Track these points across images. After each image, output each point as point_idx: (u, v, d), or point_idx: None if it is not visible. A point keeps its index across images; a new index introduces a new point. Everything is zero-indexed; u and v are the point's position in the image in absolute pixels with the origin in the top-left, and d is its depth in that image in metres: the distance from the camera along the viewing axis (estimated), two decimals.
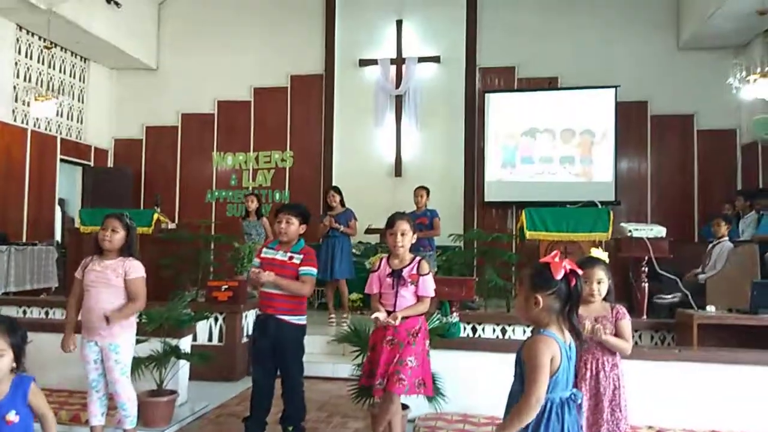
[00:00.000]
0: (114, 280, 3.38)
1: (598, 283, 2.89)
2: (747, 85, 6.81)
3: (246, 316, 5.49)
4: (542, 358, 1.95)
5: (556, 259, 2.04)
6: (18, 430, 2.13)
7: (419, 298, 3.30)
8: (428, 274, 3.33)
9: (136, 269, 3.44)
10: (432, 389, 3.40)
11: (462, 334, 4.80)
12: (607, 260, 3.03)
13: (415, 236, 3.42)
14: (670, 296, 5.99)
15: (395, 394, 3.21)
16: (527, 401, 1.93)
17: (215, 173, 10.26)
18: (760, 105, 7.72)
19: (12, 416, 2.12)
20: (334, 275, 6.58)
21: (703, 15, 8.05)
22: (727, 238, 6.35)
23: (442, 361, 3.83)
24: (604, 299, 2.94)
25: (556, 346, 1.98)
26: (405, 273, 3.29)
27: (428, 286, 3.31)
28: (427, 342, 3.40)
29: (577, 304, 2.05)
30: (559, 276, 2.00)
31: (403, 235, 3.32)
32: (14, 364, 2.11)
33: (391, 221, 3.38)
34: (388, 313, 3.28)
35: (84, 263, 3.49)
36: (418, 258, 3.37)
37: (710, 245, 6.44)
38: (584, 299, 2.86)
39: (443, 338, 4.13)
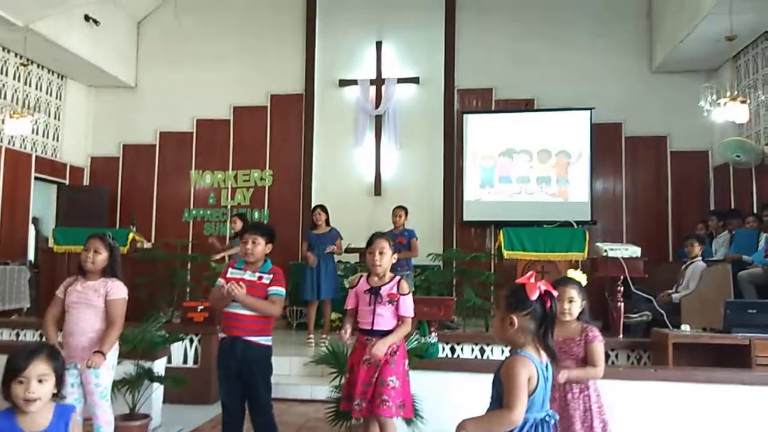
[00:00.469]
0: (95, 300, 3.34)
1: (570, 302, 2.90)
2: (718, 108, 6.97)
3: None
4: (520, 378, 1.96)
5: (532, 280, 2.06)
6: None
7: (400, 319, 3.28)
8: (408, 294, 3.33)
9: (118, 290, 3.39)
10: (412, 410, 3.37)
11: (441, 354, 4.79)
12: (585, 281, 3.05)
13: (395, 256, 3.43)
14: (637, 315, 6.04)
15: (385, 417, 3.18)
16: (507, 414, 1.94)
17: (193, 192, 10.18)
18: (730, 127, 7.92)
19: None
20: (322, 295, 6.54)
21: (675, 40, 8.27)
22: (700, 258, 6.45)
23: (420, 381, 3.81)
24: (578, 319, 2.95)
25: (533, 366, 1.99)
26: (383, 291, 3.28)
27: (408, 306, 3.30)
28: (406, 362, 3.38)
29: (552, 326, 2.07)
30: (534, 297, 2.02)
31: (381, 254, 3.32)
32: (55, 390, 2.05)
33: (371, 240, 3.40)
34: (365, 332, 3.26)
35: (66, 283, 3.44)
36: (398, 277, 3.37)
37: (684, 265, 6.54)
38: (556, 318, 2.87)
39: (422, 359, 4.12)
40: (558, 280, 2.96)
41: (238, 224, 7.21)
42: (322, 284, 6.54)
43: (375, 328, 3.24)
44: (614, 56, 9.31)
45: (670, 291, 6.37)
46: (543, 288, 2.04)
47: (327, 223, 6.89)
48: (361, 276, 3.47)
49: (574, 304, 2.91)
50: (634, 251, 5.47)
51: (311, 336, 6.60)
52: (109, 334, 3.32)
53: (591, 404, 2.84)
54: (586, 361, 2.89)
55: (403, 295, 3.29)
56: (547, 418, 2.04)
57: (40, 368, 1.98)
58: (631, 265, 5.39)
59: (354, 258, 8.41)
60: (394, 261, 3.41)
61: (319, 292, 6.52)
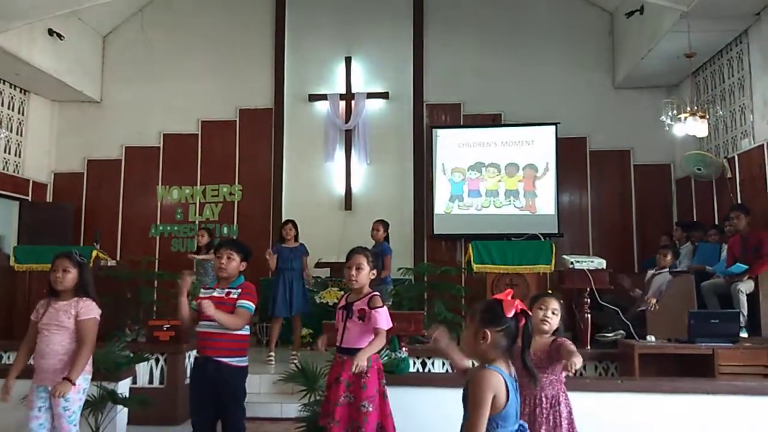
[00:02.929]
0: (66, 321, 3.27)
1: (553, 313, 2.94)
2: (678, 123, 7.16)
3: (189, 356, 5.33)
4: (484, 395, 1.96)
5: (509, 297, 2.07)
6: None
7: (374, 332, 3.22)
8: (380, 307, 3.26)
9: (89, 310, 3.32)
10: (392, 430, 3.29)
11: (411, 369, 4.78)
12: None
13: (374, 272, 3.39)
14: (611, 334, 6.11)
15: None
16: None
17: (160, 207, 10.02)
18: (691, 141, 8.14)
19: None
20: (295, 310, 6.46)
21: (637, 57, 8.50)
22: (667, 269, 6.56)
23: (391, 397, 3.76)
24: (552, 334, 2.98)
25: (501, 381, 1.99)
26: (355, 307, 3.25)
27: (379, 318, 3.22)
28: (383, 381, 3.32)
29: (528, 344, 2.09)
30: (510, 314, 2.03)
31: (358, 269, 3.28)
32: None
33: (348, 255, 3.36)
34: (338, 349, 3.24)
35: (39, 305, 3.38)
36: (372, 293, 3.32)
37: (650, 274, 6.63)
38: (535, 325, 2.90)
39: (392, 374, 4.10)
40: (541, 293, 3.03)
41: (205, 238, 7.12)
42: (294, 300, 6.46)
43: (343, 345, 3.22)
44: (579, 72, 9.51)
45: (642, 307, 6.39)
46: (519, 307, 2.06)
47: (296, 239, 6.85)
48: (344, 295, 3.44)
49: (556, 317, 2.94)
50: (600, 263, 5.56)
51: (272, 354, 6.46)
52: (79, 356, 3.24)
53: (561, 420, 2.85)
54: (554, 370, 2.91)
55: (373, 308, 3.23)
56: (521, 428, 2.05)
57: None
58: (597, 277, 5.49)
59: (325, 272, 8.37)
60: (373, 277, 3.36)
61: (293, 307, 6.44)
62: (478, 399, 1.96)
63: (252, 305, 3.40)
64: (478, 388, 1.98)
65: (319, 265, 8.34)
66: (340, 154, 9.75)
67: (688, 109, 7.12)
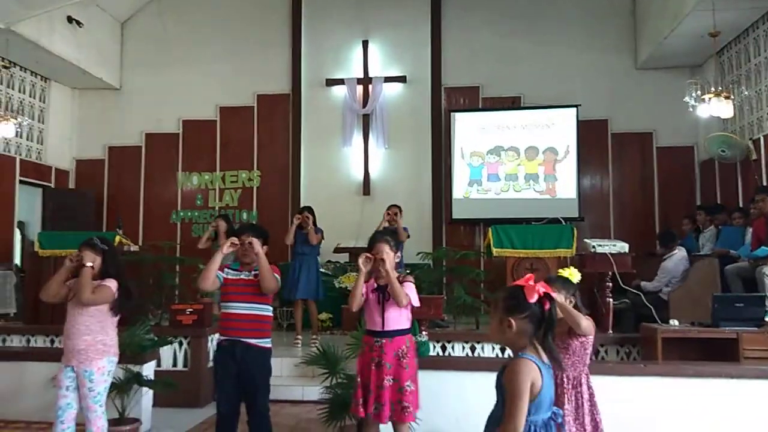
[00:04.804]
0: None
1: (566, 299, 2.93)
2: (702, 104, 7.02)
3: (212, 340, 5.39)
4: (523, 386, 1.94)
5: (531, 282, 2.04)
6: None
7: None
8: (412, 282, 3.31)
9: (108, 282, 3.39)
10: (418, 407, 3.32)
11: (431, 353, 4.79)
12: (578, 278, 3.07)
13: (398, 255, 3.39)
14: (617, 302, 6.07)
15: (404, 424, 3.16)
16: (508, 429, 1.92)
17: (180, 193, 10.11)
18: (715, 123, 7.99)
19: None
20: (298, 294, 6.51)
21: (659, 36, 8.33)
22: (675, 251, 6.44)
23: None
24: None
25: (536, 369, 1.97)
26: (389, 288, 3.23)
27: (410, 291, 3.25)
28: (416, 361, 3.34)
29: (552, 328, 2.06)
30: (533, 299, 2.00)
31: (377, 252, 3.26)
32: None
33: (371, 243, 3.33)
34: (374, 333, 3.21)
35: (70, 284, 3.45)
36: (402, 276, 3.35)
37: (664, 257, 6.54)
38: None
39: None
40: (548, 279, 2.98)
41: (222, 225, 7.16)
42: (300, 284, 6.49)
43: (386, 328, 3.20)
44: (600, 53, 9.36)
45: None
46: (542, 290, 2.02)
47: (314, 224, 6.85)
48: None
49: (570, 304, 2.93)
50: (622, 247, 5.49)
51: (299, 337, 6.57)
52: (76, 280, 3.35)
53: (583, 401, 2.85)
54: (574, 351, 2.91)
55: (406, 281, 3.27)
56: (554, 416, 2.04)
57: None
58: (619, 261, 5.42)
59: (344, 258, 8.39)
60: (397, 260, 3.36)
61: (297, 291, 6.47)
62: (516, 389, 1.94)
63: (278, 278, 3.50)
64: (515, 377, 1.95)
65: (337, 250, 8.37)
66: (357, 138, 9.73)
67: (713, 89, 6.97)
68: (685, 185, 9.17)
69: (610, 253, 5.38)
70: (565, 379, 2.86)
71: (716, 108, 6.88)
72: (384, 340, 3.19)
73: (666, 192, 9.22)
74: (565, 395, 2.85)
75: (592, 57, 9.33)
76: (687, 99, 7.17)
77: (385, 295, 3.22)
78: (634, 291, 5.94)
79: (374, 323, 3.23)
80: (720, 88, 7.04)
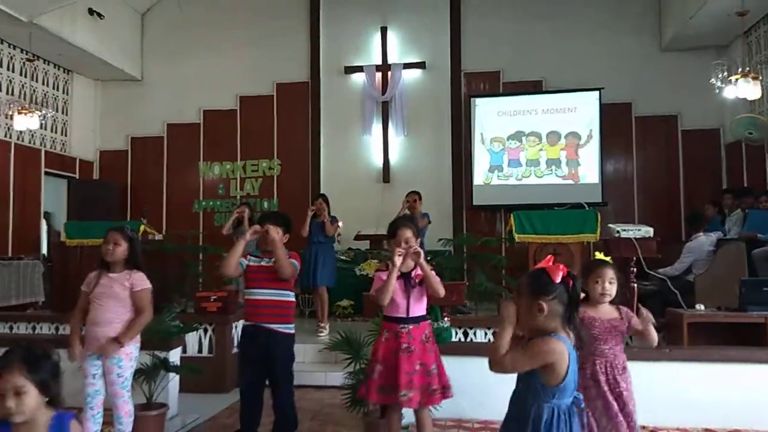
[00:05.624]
0: (121, 293, 3.39)
1: (610, 283, 2.88)
2: (729, 86, 6.87)
3: (236, 327, 5.44)
4: (541, 356, 1.95)
5: (551, 264, 2.03)
6: None
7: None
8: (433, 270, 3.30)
9: (142, 281, 3.44)
10: (450, 391, 3.32)
11: (453, 339, 4.79)
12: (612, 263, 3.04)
13: (420, 240, 3.38)
14: (646, 284, 6.00)
15: (427, 408, 3.19)
16: (496, 348, 2.00)
17: (202, 183, 10.20)
18: (742, 104, 7.81)
19: None
20: (316, 282, 6.54)
21: (684, 16, 8.15)
22: (700, 233, 6.36)
23: None
24: (611, 302, 2.94)
25: (565, 351, 1.96)
26: (414, 273, 3.23)
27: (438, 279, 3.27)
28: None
29: (577, 307, 2.05)
30: (558, 279, 2.00)
31: (407, 243, 3.21)
32: (44, 398, 1.85)
33: (393, 230, 3.29)
34: (399, 320, 3.20)
35: (90, 277, 3.48)
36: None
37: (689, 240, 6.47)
38: (595, 299, 2.87)
39: (435, 343, 4.11)
40: (593, 262, 2.98)
41: (247, 213, 7.23)
42: (317, 271, 6.51)
43: (411, 315, 3.19)
44: (623, 35, 9.19)
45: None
46: (564, 270, 2.02)
47: (328, 213, 6.84)
48: (387, 264, 3.41)
49: (614, 285, 2.89)
50: (647, 231, 5.40)
51: (320, 324, 6.59)
52: (135, 322, 3.38)
53: (622, 389, 2.82)
54: (621, 338, 2.91)
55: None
56: (576, 401, 2.02)
57: (12, 382, 1.79)
58: (644, 246, 5.34)
59: (364, 245, 8.41)
60: (419, 245, 3.34)
61: (315, 278, 6.50)
62: (535, 352, 1.96)
63: (297, 264, 3.54)
64: (540, 346, 1.96)
65: (358, 237, 8.38)
66: (377, 126, 9.71)
67: (740, 70, 6.82)
68: (711, 168, 9.00)
69: (635, 238, 5.30)
70: (607, 366, 2.83)
71: (743, 89, 6.73)
72: (411, 326, 3.19)
73: (691, 176, 9.06)
74: (607, 382, 2.81)
75: (615, 39, 9.17)
76: (713, 80, 7.02)
77: (410, 282, 3.21)
78: (660, 276, 5.86)
79: (399, 310, 3.21)
80: (747, 69, 6.89)
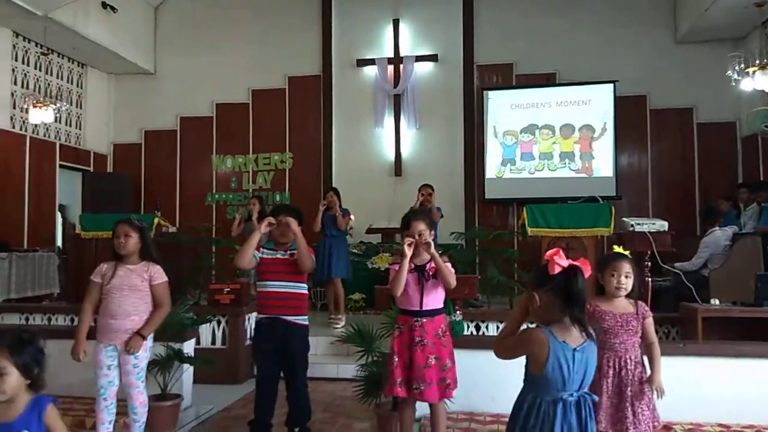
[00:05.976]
0: (139, 284, 3.40)
1: (626, 276, 2.85)
2: (746, 78, 6.78)
3: (249, 319, 5.48)
4: (525, 345, 2.02)
5: (555, 257, 2.01)
6: None
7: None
8: (449, 262, 3.27)
9: (160, 274, 3.46)
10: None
11: (465, 332, 4.78)
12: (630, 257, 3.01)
13: (433, 233, 3.36)
14: (660, 279, 5.95)
15: (442, 402, 3.19)
16: (498, 334, 2.17)
17: (215, 176, 10.25)
18: (759, 97, 7.70)
19: None
20: (332, 274, 6.55)
21: (700, 8, 8.04)
22: (717, 228, 6.31)
23: None
24: (628, 296, 2.91)
25: (543, 342, 1.95)
26: (428, 266, 3.20)
27: (451, 270, 3.23)
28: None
29: (582, 302, 2.02)
30: (554, 271, 1.98)
31: (420, 236, 3.19)
32: (27, 381, 2.00)
33: (407, 222, 3.26)
34: (413, 313, 3.19)
35: (104, 268, 3.45)
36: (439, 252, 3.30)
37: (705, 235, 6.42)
38: (611, 293, 2.85)
39: None
40: (611, 255, 2.94)
41: (257, 206, 7.26)
42: (332, 263, 6.53)
43: (424, 308, 3.18)
44: (637, 27, 9.10)
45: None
46: (564, 263, 1.98)
47: (339, 206, 6.83)
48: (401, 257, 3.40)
49: (630, 279, 2.86)
50: (662, 225, 5.35)
51: (332, 316, 6.62)
52: (155, 315, 3.41)
53: (644, 381, 2.81)
54: (642, 336, 2.88)
55: (446, 263, 3.23)
56: (583, 399, 2.00)
57: None
58: (659, 240, 5.28)
59: (376, 239, 8.41)
60: (432, 237, 3.32)
61: (330, 271, 6.52)
62: (515, 340, 2.09)
63: (313, 257, 3.59)
64: (521, 335, 2.08)
65: (369, 230, 8.38)
66: (389, 119, 9.70)
67: (757, 62, 6.73)
68: (727, 162, 8.90)
69: (650, 232, 5.25)
70: (629, 360, 2.80)
71: (760, 82, 6.65)
72: (425, 320, 3.17)
73: (707, 169, 8.97)
74: (629, 376, 2.80)
75: (629, 31, 9.08)
76: (729, 73, 6.94)
77: (424, 276, 3.19)
78: (674, 270, 5.81)
79: (413, 303, 3.19)
80: (765, 61, 6.79)
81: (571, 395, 1.98)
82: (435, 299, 3.21)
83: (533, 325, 2.08)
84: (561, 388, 1.96)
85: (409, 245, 3.12)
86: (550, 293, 1.98)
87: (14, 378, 1.97)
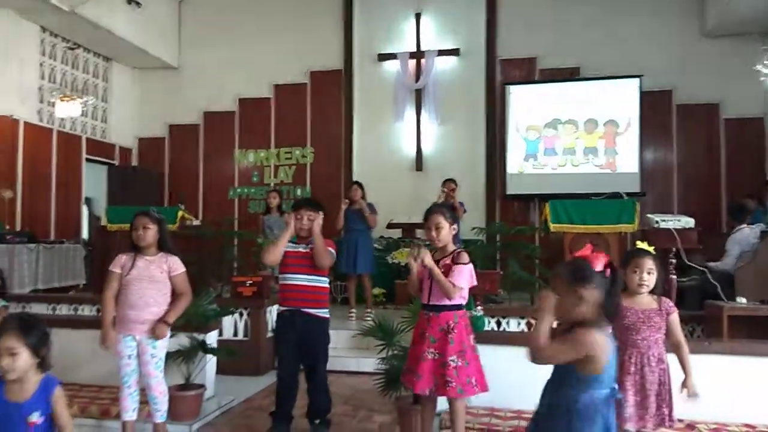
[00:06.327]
0: (158, 276, 3.46)
1: (648, 273, 2.82)
2: None
3: (270, 311, 5.52)
4: (588, 348, 1.91)
5: (591, 252, 2.01)
6: None
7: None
8: (464, 264, 3.16)
9: (179, 265, 3.52)
10: (484, 385, 3.23)
11: (486, 328, 4.77)
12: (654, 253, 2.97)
13: (455, 227, 3.34)
14: (686, 279, 5.87)
15: (450, 397, 3.16)
16: (536, 339, 1.97)
17: (237, 170, 10.33)
18: None
19: (35, 418, 2.14)
20: (358, 269, 6.57)
21: (728, 1, 7.88)
22: (744, 225, 6.20)
23: None
24: (651, 292, 2.88)
25: (607, 345, 1.95)
26: (441, 263, 3.17)
27: (459, 276, 3.11)
28: (471, 338, 3.25)
29: (618, 296, 2.02)
30: (599, 268, 1.97)
31: (437, 229, 3.20)
32: (35, 360, 2.16)
33: (426, 215, 3.30)
34: (424, 306, 3.21)
35: (123, 258, 3.50)
36: (458, 250, 3.25)
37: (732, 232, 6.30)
38: (633, 290, 2.82)
39: None
40: (633, 251, 2.91)
41: (277, 200, 7.32)
42: (359, 259, 6.54)
43: (430, 302, 3.18)
44: (663, 20, 8.95)
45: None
46: (604, 259, 1.99)
47: (363, 198, 6.82)
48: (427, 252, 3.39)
49: (652, 276, 2.83)
50: (687, 221, 5.27)
51: (353, 310, 6.64)
52: (178, 304, 3.49)
53: (666, 379, 2.78)
54: (666, 333, 2.85)
55: (458, 263, 3.14)
56: (613, 392, 2.00)
57: (8, 342, 2.11)
58: (684, 237, 5.21)
59: (397, 233, 8.41)
60: (455, 232, 3.30)
61: (356, 266, 6.53)
62: (578, 343, 1.92)
63: (334, 252, 3.62)
64: (584, 337, 1.92)
65: (390, 225, 8.38)
66: (410, 114, 9.67)
67: None
68: (754, 158, 8.73)
69: (675, 229, 5.18)
70: (651, 356, 2.78)
71: None
72: (431, 314, 3.18)
73: (734, 165, 8.80)
74: (651, 372, 2.77)
75: (655, 25, 8.93)
76: (758, 67, 6.81)
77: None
78: (700, 268, 5.72)
79: (423, 296, 3.24)
80: None
81: (611, 388, 2.00)
82: (441, 296, 3.16)
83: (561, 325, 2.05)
84: (610, 383, 1.99)
85: (415, 260, 3.12)
86: (595, 291, 1.96)
87: (24, 358, 2.13)
